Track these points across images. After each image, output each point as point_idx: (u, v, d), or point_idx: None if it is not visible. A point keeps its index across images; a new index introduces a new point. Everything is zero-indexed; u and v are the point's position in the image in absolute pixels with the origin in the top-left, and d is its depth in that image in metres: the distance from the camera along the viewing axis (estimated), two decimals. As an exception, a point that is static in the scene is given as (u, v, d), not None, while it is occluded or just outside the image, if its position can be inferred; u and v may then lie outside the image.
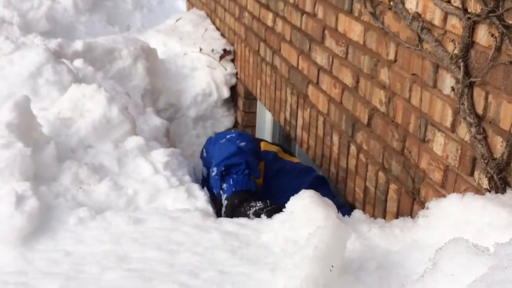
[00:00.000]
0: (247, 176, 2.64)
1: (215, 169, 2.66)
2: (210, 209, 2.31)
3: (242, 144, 2.79)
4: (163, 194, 2.32)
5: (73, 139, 2.53)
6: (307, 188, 2.25)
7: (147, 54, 4.20)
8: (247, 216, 2.38)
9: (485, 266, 1.15)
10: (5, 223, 1.98)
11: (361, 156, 2.67)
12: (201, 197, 2.34)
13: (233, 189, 2.56)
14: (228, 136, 2.89)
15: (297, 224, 1.94)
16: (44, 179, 2.28)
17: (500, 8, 1.73)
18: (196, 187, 2.40)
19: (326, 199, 2.04)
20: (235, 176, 2.61)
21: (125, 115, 2.69)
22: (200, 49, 4.64)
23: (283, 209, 2.15)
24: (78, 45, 3.83)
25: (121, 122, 2.63)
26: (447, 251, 1.27)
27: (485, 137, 1.86)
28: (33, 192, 2.10)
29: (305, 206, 1.98)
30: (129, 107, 2.91)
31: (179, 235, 2.02)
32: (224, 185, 2.59)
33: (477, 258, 1.21)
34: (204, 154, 2.98)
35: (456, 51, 1.96)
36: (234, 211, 2.46)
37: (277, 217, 2.04)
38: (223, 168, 2.62)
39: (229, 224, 2.10)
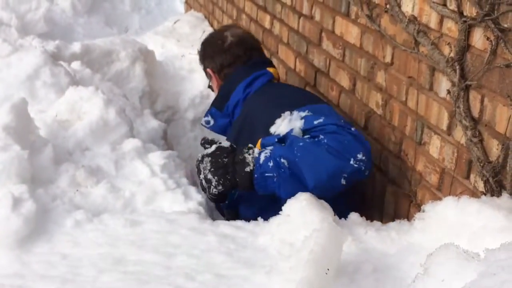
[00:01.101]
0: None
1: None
2: (207, 211, 2.31)
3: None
4: (160, 197, 2.32)
5: (70, 142, 2.52)
6: None
7: (145, 56, 4.20)
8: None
9: (474, 272, 1.16)
10: (1, 226, 1.98)
11: (358, 158, 2.67)
12: (198, 200, 2.34)
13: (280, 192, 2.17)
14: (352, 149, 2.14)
15: (293, 226, 1.94)
16: (41, 181, 2.27)
17: (496, 12, 1.74)
18: (193, 190, 2.40)
19: (323, 201, 2.04)
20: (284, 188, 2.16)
21: (122, 117, 2.69)
22: (198, 51, 4.63)
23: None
24: (75, 47, 3.83)
25: (118, 124, 2.63)
26: (438, 257, 1.28)
27: (481, 140, 1.87)
28: (30, 195, 2.10)
29: (302, 208, 1.98)
30: (126, 109, 2.91)
31: (176, 237, 2.02)
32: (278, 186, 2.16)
33: (468, 264, 1.22)
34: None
35: (452, 54, 1.96)
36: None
37: (274, 219, 2.04)
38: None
39: (225, 226, 2.10)
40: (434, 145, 2.13)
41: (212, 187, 2.26)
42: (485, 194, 1.84)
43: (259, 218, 2.13)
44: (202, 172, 2.29)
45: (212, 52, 2.97)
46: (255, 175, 2.20)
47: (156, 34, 5.18)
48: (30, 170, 2.24)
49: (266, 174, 2.19)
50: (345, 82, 2.77)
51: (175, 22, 5.34)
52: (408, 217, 2.27)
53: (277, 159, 2.17)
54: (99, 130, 2.59)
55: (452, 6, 1.95)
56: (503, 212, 1.62)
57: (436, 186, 2.12)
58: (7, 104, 2.35)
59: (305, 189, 2.11)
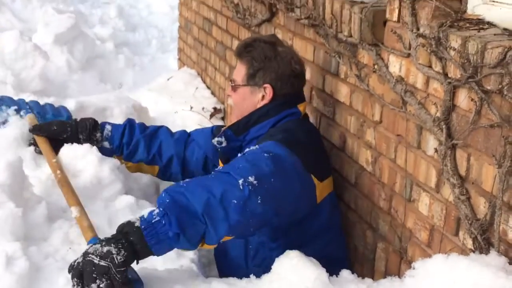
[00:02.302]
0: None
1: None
2: (200, 268, 2.32)
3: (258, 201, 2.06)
4: (153, 254, 2.32)
5: (64, 199, 2.54)
6: None
7: (139, 112, 4.25)
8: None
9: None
10: (-6, 284, 1.99)
11: (349, 215, 2.71)
12: (190, 257, 2.35)
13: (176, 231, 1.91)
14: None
15: (285, 284, 1.95)
16: (34, 239, 2.28)
17: (479, 74, 1.80)
18: (185, 247, 2.41)
19: (312, 258, 2.06)
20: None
21: (116, 174, 2.72)
22: (191, 107, 4.71)
23: None
24: (70, 104, 3.87)
25: (112, 181, 2.66)
26: None
27: (468, 198, 1.91)
28: (23, 253, 2.11)
29: (293, 266, 1.99)
30: (120, 166, 2.94)
31: (169, 295, 2.02)
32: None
33: None
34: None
35: (438, 114, 2.02)
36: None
37: (266, 277, 2.05)
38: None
39: (218, 284, 2.10)
40: (423, 202, 2.16)
41: (114, 255, 1.88)
42: (474, 251, 1.86)
43: (251, 275, 2.14)
44: (95, 260, 1.87)
45: (278, 70, 2.66)
46: (142, 226, 1.93)
47: (150, 91, 5.25)
48: (24, 227, 2.25)
49: (153, 221, 1.93)
50: (335, 139, 2.82)
51: (168, 79, 5.43)
52: (399, 273, 2.28)
53: (161, 199, 1.99)
54: (93, 187, 2.61)
55: (437, 68, 2.02)
56: (491, 270, 1.65)
57: (426, 243, 2.14)
58: (2, 162, 2.37)
59: (195, 217, 1.96)
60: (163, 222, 1.93)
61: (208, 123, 4.58)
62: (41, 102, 3.34)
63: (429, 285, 1.80)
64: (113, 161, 2.79)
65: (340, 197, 2.77)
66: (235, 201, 2.02)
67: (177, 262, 2.30)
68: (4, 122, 2.98)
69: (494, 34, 1.88)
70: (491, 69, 1.75)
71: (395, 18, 2.29)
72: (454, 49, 1.90)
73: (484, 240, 1.83)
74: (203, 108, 4.69)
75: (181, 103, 4.81)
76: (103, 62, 6.96)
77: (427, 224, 2.14)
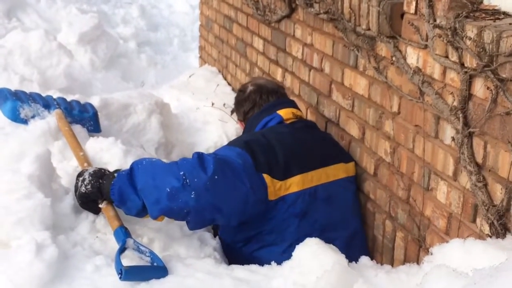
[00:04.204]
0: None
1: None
2: (222, 256, 2.38)
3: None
4: (176, 243, 2.39)
5: (90, 190, 2.62)
6: None
7: (161, 108, 4.32)
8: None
9: (461, 286, 1.25)
10: (25, 271, 2.06)
11: (368, 205, 2.75)
12: (213, 245, 2.42)
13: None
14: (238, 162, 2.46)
15: (306, 269, 2.01)
16: (62, 228, 2.36)
17: (494, 63, 1.84)
18: (208, 236, 2.48)
19: (332, 245, 2.11)
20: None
21: (140, 167, 2.78)
22: (212, 104, 4.77)
23: None
24: (95, 100, 3.95)
25: (136, 173, 2.72)
26: (432, 276, 1.36)
27: (485, 185, 1.94)
28: (52, 241, 2.18)
29: (313, 252, 2.04)
30: (143, 159, 3.01)
31: (192, 281, 2.09)
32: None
33: (456, 280, 1.30)
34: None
35: (455, 103, 2.06)
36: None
37: (287, 263, 2.11)
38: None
39: (240, 270, 2.17)
40: (441, 191, 2.20)
41: (83, 185, 2.41)
42: (490, 237, 1.90)
43: (272, 263, 2.20)
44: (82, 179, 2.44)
45: (237, 103, 3.22)
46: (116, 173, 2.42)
47: (172, 88, 5.33)
48: (52, 217, 2.33)
49: (122, 172, 2.41)
50: (354, 131, 2.87)
51: (190, 76, 5.50)
52: (418, 261, 2.32)
53: (134, 163, 2.41)
54: (118, 179, 2.67)
55: (454, 57, 2.06)
56: (507, 252, 1.68)
57: (444, 230, 2.18)
58: (32, 154, 2.46)
59: (134, 193, 2.33)
60: (112, 189, 2.35)
61: (229, 119, 4.64)
62: (67, 99, 3.42)
63: (446, 269, 1.83)
64: (137, 154, 2.86)
65: (359, 188, 2.82)
66: (168, 190, 2.29)
67: (200, 250, 2.36)
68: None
69: (510, 24, 1.92)
70: (506, 58, 1.79)
71: (412, 10, 2.33)
72: (470, 39, 1.93)
73: (501, 225, 1.86)
74: (224, 104, 4.75)
75: (203, 99, 4.87)
76: (126, 61, 7.07)
77: (445, 212, 2.18)
